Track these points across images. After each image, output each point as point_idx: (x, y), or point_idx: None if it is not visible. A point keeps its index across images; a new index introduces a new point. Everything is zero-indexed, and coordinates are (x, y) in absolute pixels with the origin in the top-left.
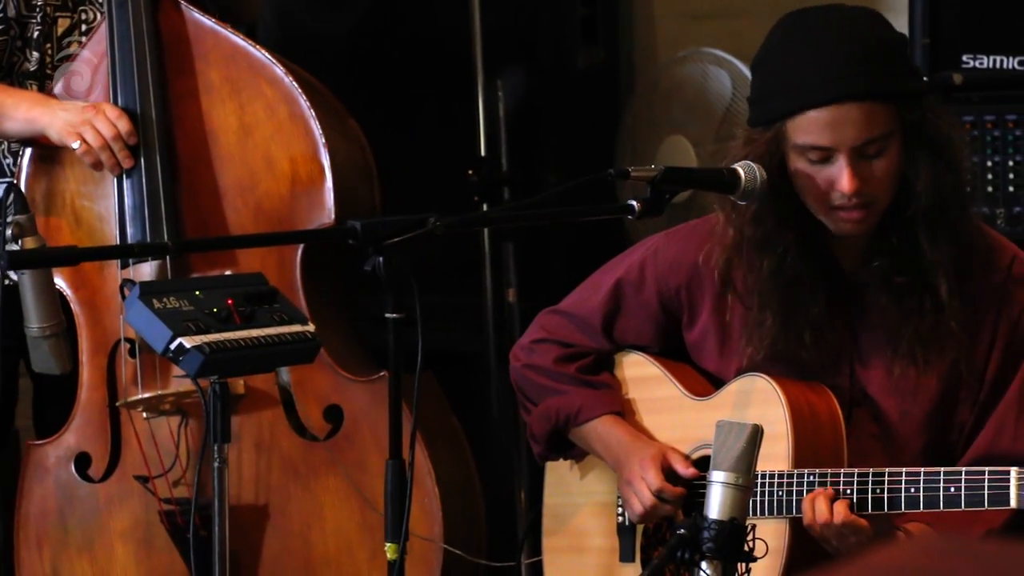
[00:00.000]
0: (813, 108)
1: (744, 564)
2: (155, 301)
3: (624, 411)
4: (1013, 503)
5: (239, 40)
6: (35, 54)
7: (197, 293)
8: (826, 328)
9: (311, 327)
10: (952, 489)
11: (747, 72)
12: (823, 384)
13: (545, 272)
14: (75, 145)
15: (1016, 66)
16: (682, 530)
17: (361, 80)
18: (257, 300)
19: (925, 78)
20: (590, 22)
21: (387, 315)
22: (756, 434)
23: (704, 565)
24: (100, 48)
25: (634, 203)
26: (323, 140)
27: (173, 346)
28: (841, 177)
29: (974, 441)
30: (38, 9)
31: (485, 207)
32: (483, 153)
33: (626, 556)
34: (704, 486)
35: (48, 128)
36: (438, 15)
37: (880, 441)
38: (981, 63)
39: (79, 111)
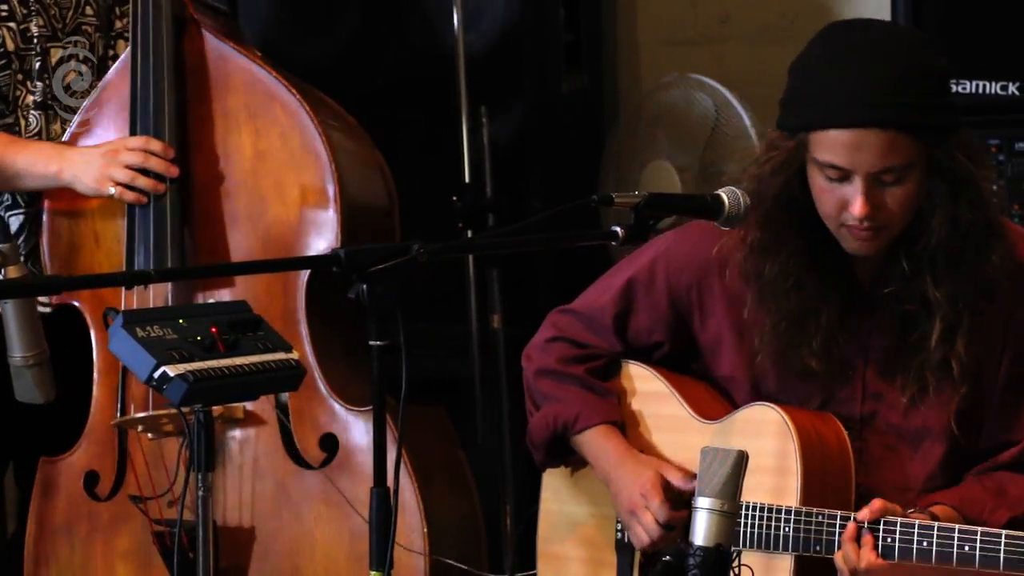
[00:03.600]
0: (835, 128)
1: None
2: (138, 330)
3: (626, 422)
4: None
5: (257, 67)
6: (38, 84)
7: (181, 321)
8: (838, 338)
9: (295, 355)
10: (967, 548)
11: (731, 98)
12: (834, 399)
13: (530, 298)
14: (112, 191)
15: (999, 91)
16: (667, 556)
17: (345, 106)
18: (241, 328)
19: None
20: (574, 48)
21: (371, 342)
22: (741, 460)
23: None
24: (124, 77)
25: (618, 229)
26: (332, 168)
27: (156, 375)
28: (855, 200)
29: (1005, 448)
30: (35, 40)
31: (469, 233)
32: (467, 179)
33: (623, 572)
34: None
35: (74, 184)
36: (422, 42)
37: (895, 452)
38: (964, 88)
39: (99, 156)
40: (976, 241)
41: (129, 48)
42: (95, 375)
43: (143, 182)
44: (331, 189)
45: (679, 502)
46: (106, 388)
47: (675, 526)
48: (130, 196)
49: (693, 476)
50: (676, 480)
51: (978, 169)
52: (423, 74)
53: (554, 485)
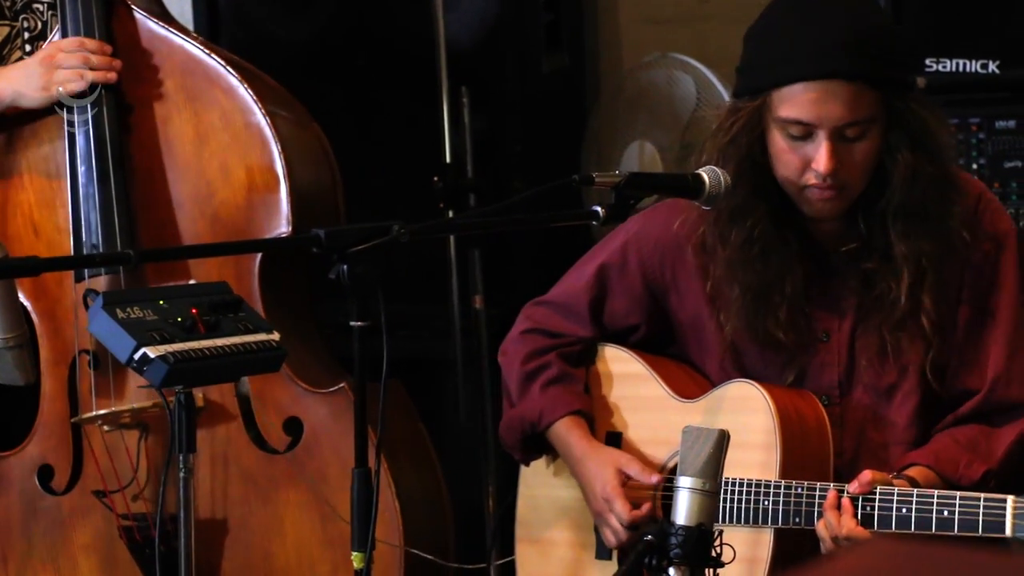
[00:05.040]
0: (801, 81)
1: (712, 570)
2: (119, 311)
3: (604, 404)
4: (1008, 532)
5: (193, 48)
6: None
7: (161, 303)
8: (805, 307)
9: (276, 335)
10: (946, 512)
11: (712, 77)
12: (813, 365)
13: (511, 278)
14: (60, 91)
15: (979, 69)
16: (649, 536)
17: (325, 87)
18: (222, 309)
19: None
20: (554, 27)
21: (352, 323)
22: (723, 439)
23: (672, 571)
24: None
25: (599, 209)
26: (279, 149)
27: (137, 356)
28: (819, 155)
29: (970, 396)
30: None
31: (451, 214)
32: (448, 159)
33: (603, 554)
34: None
35: (19, 100)
36: (402, 21)
37: (874, 408)
38: (944, 67)
39: (37, 65)
40: (936, 195)
41: (58, 28)
42: (42, 367)
43: (92, 75)
44: (280, 168)
45: (644, 497)
46: (55, 380)
47: (639, 525)
48: (78, 86)
49: (652, 467)
50: (635, 474)
51: (936, 123)
52: (404, 54)
53: (532, 470)
